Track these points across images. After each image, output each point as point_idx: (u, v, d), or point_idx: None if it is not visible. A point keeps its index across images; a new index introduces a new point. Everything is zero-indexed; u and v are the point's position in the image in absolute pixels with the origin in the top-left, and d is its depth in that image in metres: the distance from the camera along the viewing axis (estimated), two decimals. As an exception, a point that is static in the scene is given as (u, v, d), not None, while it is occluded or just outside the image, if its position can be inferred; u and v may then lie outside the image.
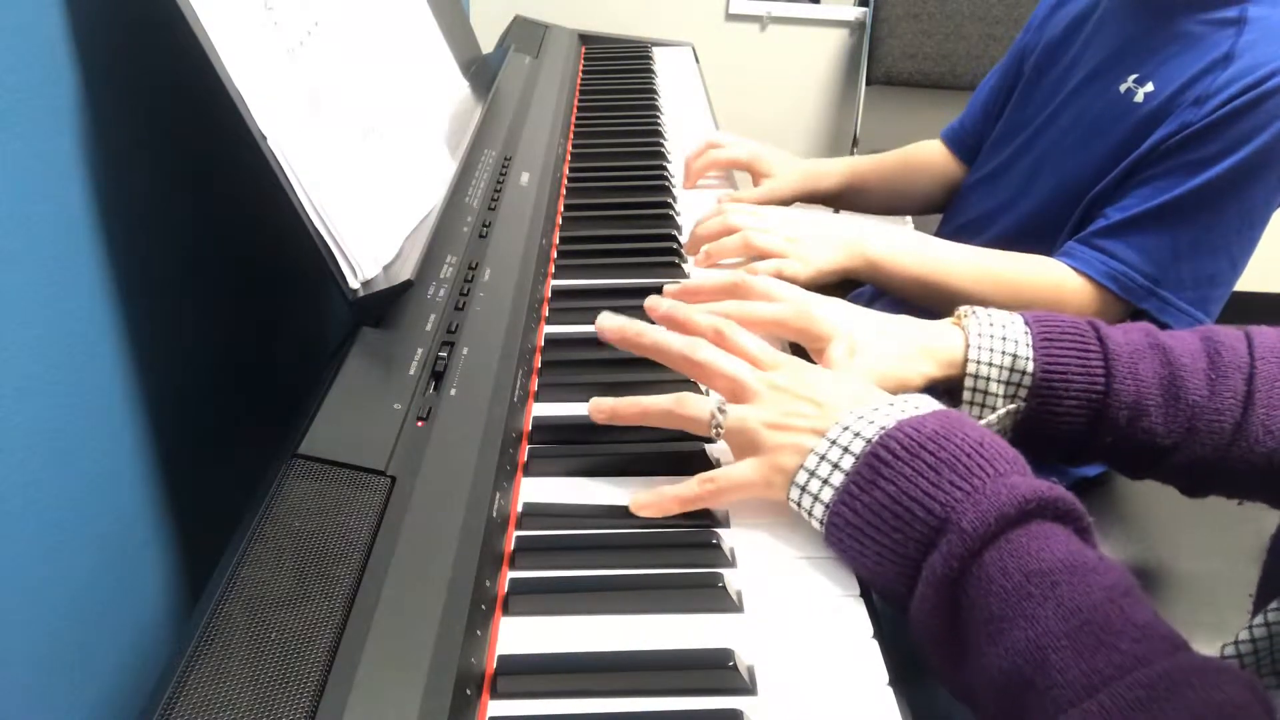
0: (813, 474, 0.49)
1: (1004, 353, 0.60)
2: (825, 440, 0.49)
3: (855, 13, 2.24)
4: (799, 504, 0.50)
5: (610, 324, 0.59)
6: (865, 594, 0.48)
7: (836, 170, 1.07)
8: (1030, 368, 0.59)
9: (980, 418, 0.61)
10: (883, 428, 0.48)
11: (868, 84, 2.22)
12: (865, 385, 0.54)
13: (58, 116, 0.48)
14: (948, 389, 0.63)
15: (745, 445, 0.52)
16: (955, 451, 0.45)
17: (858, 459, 0.47)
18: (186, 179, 0.62)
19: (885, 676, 0.43)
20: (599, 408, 0.56)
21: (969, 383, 0.61)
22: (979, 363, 0.60)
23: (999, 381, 0.60)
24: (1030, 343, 0.60)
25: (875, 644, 0.45)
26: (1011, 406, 0.60)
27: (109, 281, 0.53)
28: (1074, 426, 0.60)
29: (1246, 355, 0.60)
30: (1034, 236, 0.89)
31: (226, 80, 0.49)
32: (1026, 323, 0.61)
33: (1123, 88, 0.85)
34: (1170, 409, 0.59)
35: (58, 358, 0.48)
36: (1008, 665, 0.40)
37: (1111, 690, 0.36)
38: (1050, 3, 1.02)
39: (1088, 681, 0.37)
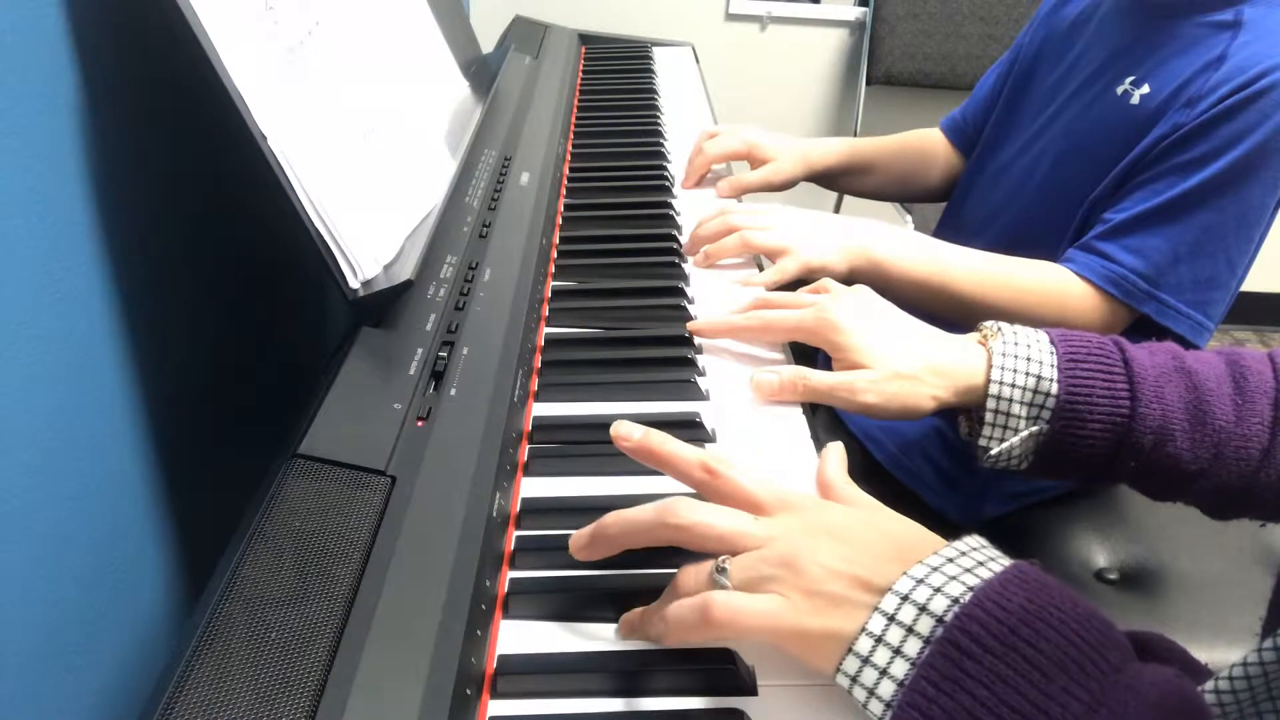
0: (866, 661, 0.39)
1: (1028, 374, 0.58)
2: (879, 615, 0.40)
3: (855, 13, 2.24)
4: (851, 693, 0.40)
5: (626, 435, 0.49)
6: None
7: (835, 149, 1.07)
8: (1054, 389, 0.57)
9: (1002, 440, 0.60)
10: (955, 599, 0.39)
11: (868, 84, 2.22)
12: (897, 519, 0.46)
13: (58, 116, 0.48)
14: (964, 410, 0.63)
15: (760, 584, 0.43)
16: (1057, 640, 0.37)
17: (927, 643, 0.38)
18: (186, 179, 0.62)
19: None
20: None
21: (991, 404, 0.59)
22: (1001, 384, 0.59)
23: (1021, 404, 0.58)
24: (1055, 363, 0.58)
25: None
26: (1034, 429, 0.59)
27: (109, 282, 0.53)
28: (1097, 450, 0.58)
29: (1272, 379, 0.58)
30: (1035, 238, 0.88)
31: (226, 80, 0.49)
32: (1052, 341, 0.59)
33: (1120, 90, 0.85)
34: (1197, 434, 0.57)
35: (57, 358, 0.48)
36: None
37: None
38: (1052, 1, 1.02)
39: None
